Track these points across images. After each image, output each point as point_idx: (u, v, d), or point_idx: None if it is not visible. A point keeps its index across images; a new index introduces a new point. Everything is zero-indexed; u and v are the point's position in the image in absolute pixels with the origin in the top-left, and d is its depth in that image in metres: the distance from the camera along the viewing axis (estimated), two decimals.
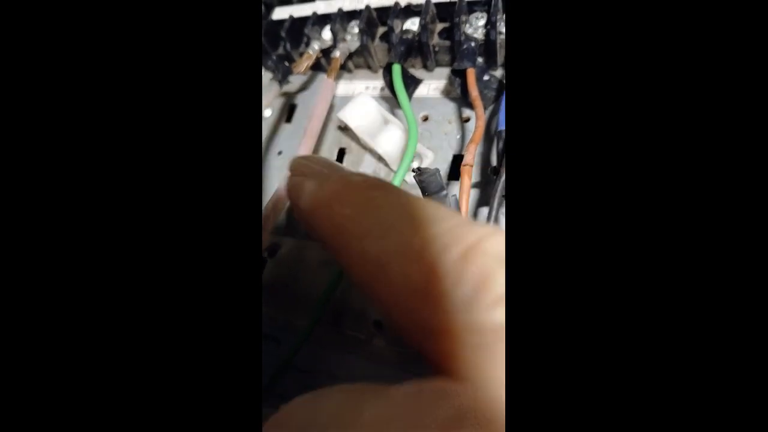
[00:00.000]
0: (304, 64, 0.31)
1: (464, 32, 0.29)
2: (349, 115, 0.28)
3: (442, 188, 0.19)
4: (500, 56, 0.30)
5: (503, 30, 0.28)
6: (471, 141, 0.23)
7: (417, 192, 0.26)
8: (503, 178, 0.22)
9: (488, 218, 0.22)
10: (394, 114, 0.31)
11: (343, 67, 0.33)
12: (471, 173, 0.22)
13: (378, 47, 0.32)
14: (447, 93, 0.31)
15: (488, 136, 0.28)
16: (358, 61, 0.34)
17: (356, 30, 0.31)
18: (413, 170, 0.19)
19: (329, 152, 0.32)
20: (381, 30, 0.32)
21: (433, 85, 0.31)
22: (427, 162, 0.28)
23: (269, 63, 0.35)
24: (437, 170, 0.19)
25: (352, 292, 0.27)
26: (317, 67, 0.35)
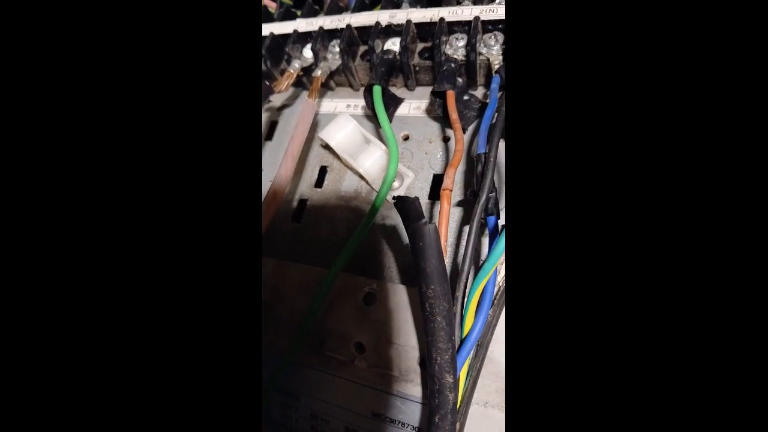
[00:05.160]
0: (285, 82, 0.31)
1: (444, 53, 0.29)
2: (329, 135, 0.28)
3: (421, 216, 0.19)
4: (480, 76, 0.30)
5: (483, 51, 0.29)
6: (450, 165, 0.23)
7: (397, 216, 0.26)
8: (482, 200, 0.23)
9: (467, 241, 0.22)
10: (378, 133, 0.31)
11: (325, 85, 0.33)
12: (450, 198, 0.22)
13: (359, 66, 0.32)
14: (428, 112, 0.31)
15: (469, 156, 0.28)
16: (339, 79, 0.34)
17: (337, 49, 0.31)
18: (393, 198, 0.19)
19: (312, 169, 0.32)
20: (362, 48, 0.32)
21: (414, 104, 0.32)
22: (408, 181, 0.28)
23: None
24: (416, 199, 0.19)
25: (334, 315, 0.27)
26: (298, 84, 0.35)
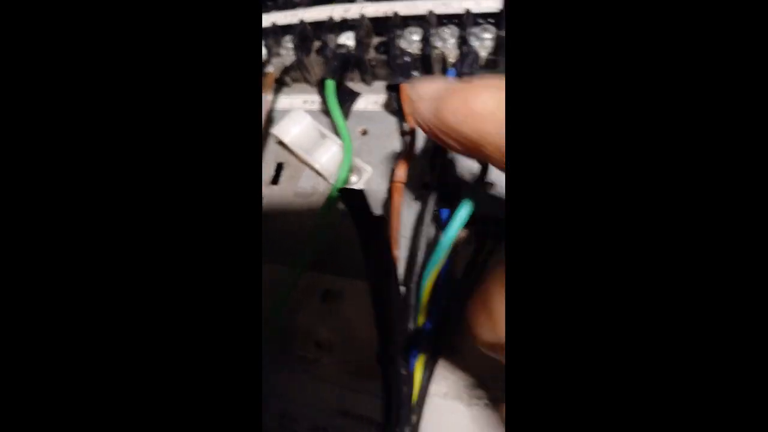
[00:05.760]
0: None
1: (399, 47, 0.29)
2: (283, 131, 0.28)
3: (366, 208, 0.19)
4: (437, 70, 0.30)
5: (438, 45, 0.29)
6: (402, 158, 0.23)
7: None
8: (435, 192, 0.23)
9: (418, 233, 0.22)
10: (335, 128, 0.31)
11: (281, 81, 0.33)
12: (401, 190, 0.22)
13: (314, 61, 0.32)
14: (387, 107, 0.31)
15: (424, 150, 0.28)
16: (295, 75, 0.33)
17: (291, 45, 0.31)
18: (338, 191, 0.19)
19: (268, 166, 0.31)
20: (317, 44, 0.32)
21: (372, 98, 0.31)
22: (366, 176, 0.28)
23: None
24: (362, 191, 0.19)
25: (300, 311, 0.26)
26: None
